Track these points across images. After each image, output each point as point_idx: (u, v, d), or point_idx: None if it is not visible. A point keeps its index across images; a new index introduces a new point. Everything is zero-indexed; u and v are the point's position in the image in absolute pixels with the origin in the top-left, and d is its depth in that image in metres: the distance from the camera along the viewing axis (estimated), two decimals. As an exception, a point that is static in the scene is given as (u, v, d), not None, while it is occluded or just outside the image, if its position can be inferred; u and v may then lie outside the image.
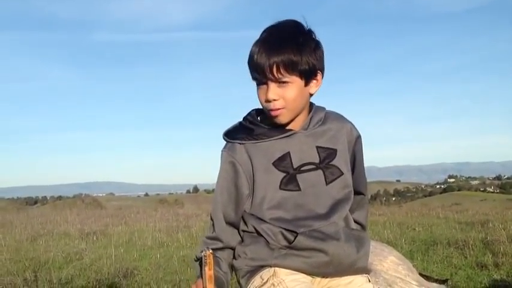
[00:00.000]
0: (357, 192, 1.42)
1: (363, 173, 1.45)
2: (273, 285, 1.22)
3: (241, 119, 1.37)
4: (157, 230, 8.18)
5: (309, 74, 1.24)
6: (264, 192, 1.28)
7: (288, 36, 1.22)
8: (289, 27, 1.25)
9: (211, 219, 1.34)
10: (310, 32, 1.26)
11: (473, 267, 4.42)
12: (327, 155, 1.31)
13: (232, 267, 1.33)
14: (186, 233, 7.78)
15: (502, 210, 10.45)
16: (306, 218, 1.25)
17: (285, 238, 1.24)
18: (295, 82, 1.23)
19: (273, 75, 1.20)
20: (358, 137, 1.40)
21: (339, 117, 1.39)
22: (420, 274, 2.76)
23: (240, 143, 1.30)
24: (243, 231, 1.33)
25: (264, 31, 1.26)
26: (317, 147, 1.31)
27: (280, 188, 1.27)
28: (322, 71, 1.29)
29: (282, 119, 1.27)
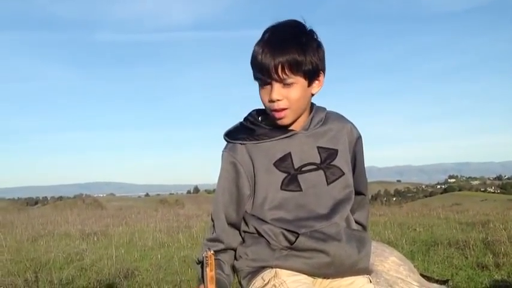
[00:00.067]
0: (358, 193, 1.41)
1: (363, 173, 1.44)
2: (274, 286, 1.21)
3: (241, 119, 1.37)
4: (158, 231, 8.18)
5: (313, 74, 1.24)
6: (265, 192, 1.28)
7: (291, 36, 1.21)
8: (292, 27, 1.24)
9: (212, 220, 1.34)
10: (311, 32, 1.25)
11: (474, 268, 4.42)
12: (327, 155, 1.31)
13: (234, 268, 1.33)
14: (186, 233, 7.78)
15: (502, 211, 10.44)
16: (307, 219, 1.25)
17: (286, 239, 1.24)
18: (299, 82, 1.22)
19: (278, 76, 1.20)
20: (359, 137, 1.40)
21: (340, 118, 1.38)
22: (421, 275, 2.76)
23: (241, 144, 1.30)
24: (244, 232, 1.32)
25: (266, 31, 1.25)
26: (318, 147, 1.31)
27: (282, 189, 1.27)
28: (324, 71, 1.28)
29: (286, 120, 1.26)
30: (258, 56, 1.21)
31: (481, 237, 5.79)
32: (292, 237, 1.23)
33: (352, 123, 1.40)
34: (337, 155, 1.32)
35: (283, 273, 1.23)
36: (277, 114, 1.25)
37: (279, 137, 1.29)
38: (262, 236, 1.27)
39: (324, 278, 1.28)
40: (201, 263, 1.25)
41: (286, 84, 1.21)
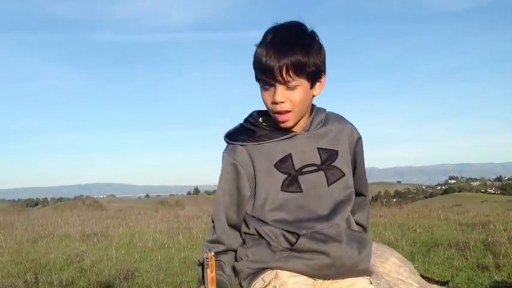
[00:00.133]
0: (358, 194, 1.41)
1: (363, 174, 1.44)
2: (275, 287, 1.21)
3: (242, 121, 1.37)
4: (158, 232, 8.17)
5: (315, 76, 1.24)
6: (266, 194, 1.27)
7: (294, 38, 1.20)
8: (294, 28, 1.24)
9: (213, 221, 1.34)
10: (313, 33, 1.25)
11: (474, 269, 4.42)
12: (328, 156, 1.31)
13: (234, 270, 1.33)
14: (187, 234, 7.77)
15: (502, 212, 10.45)
16: (308, 220, 1.25)
17: (287, 240, 1.24)
18: (302, 85, 1.22)
19: (282, 78, 1.19)
20: (359, 138, 1.40)
21: (340, 119, 1.39)
22: (421, 276, 2.75)
23: (241, 145, 1.30)
24: (245, 233, 1.32)
25: (268, 32, 1.24)
26: (318, 148, 1.31)
27: (282, 190, 1.27)
28: (325, 72, 1.28)
29: (289, 123, 1.26)
30: (262, 58, 1.19)
31: (481, 238, 5.79)
32: (292, 239, 1.23)
33: (352, 124, 1.40)
34: (337, 156, 1.32)
35: (284, 275, 1.23)
36: (280, 118, 1.25)
37: (279, 138, 1.29)
38: (263, 238, 1.27)
39: (325, 279, 1.28)
40: (202, 265, 1.25)
41: (289, 87, 1.21)
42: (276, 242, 1.25)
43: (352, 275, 1.27)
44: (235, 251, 1.33)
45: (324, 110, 1.37)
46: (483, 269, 4.36)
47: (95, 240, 7.48)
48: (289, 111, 1.23)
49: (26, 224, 10.38)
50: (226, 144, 1.33)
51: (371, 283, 1.31)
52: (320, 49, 1.24)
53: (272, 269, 1.25)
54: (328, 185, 1.29)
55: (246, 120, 1.36)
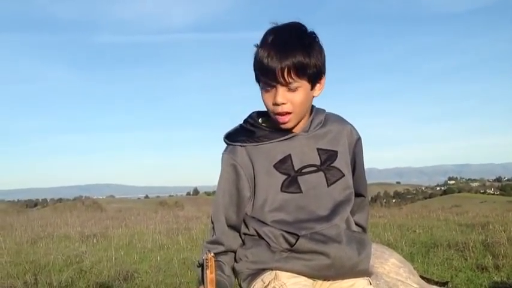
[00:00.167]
0: (358, 194, 1.41)
1: (363, 175, 1.44)
2: (275, 288, 1.22)
3: (241, 121, 1.37)
4: (158, 233, 8.17)
5: (316, 78, 1.24)
6: (266, 194, 1.28)
7: (295, 39, 1.20)
8: (295, 29, 1.23)
9: (212, 222, 1.34)
10: (313, 34, 1.25)
11: (473, 270, 4.42)
12: (327, 157, 1.31)
13: (234, 271, 1.33)
14: (186, 235, 7.77)
15: (502, 212, 10.44)
16: (308, 221, 1.25)
17: (287, 241, 1.24)
18: (303, 86, 1.22)
19: (284, 79, 1.19)
20: (359, 139, 1.40)
21: (339, 119, 1.39)
22: (421, 276, 2.76)
23: (241, 146, 1.30)
24: (244, 234, 1.32)
25: (269, 34, 1.23)
26: (318, 149, 1.31)
27: (282, 191, 1.27)
28: (325, 73, 1.28)
29: (289, 125, 1.26)
30: (264, 60, 1.19)
31: (480, 239, 5.79)
32: (292, 239, 1.23)
33: (351, 124, 1.40)
34: (337, 156, 1.32)
35: (283, 276, 1.23)
36: (281, 119, 1.25)
37: (279, 139, 1.29)
38: (263, 238, 1.27)
39: (324, 280, 1.28)
40: (201, 265, 1.25)
41: (290, 88, 1.21)
42: (275, 243, 1.25)
43: (351, 276, 1.27)
44: (235, 252, 1.33)
45: (324, 110, 1.37)
46: (482, 269, 4.36)
47: (95, 241, 7.47)
48: (290, 113, 1.23)
49: (26, 225, 10.37)
50: (225, 145, 1.34)
51: (370, 284, 1.31)
52: (320, 50, 1.24)
53: (272, 269, 1.25)
54: (328, 185, 1.30)
55: (245, 121, 1.36)
